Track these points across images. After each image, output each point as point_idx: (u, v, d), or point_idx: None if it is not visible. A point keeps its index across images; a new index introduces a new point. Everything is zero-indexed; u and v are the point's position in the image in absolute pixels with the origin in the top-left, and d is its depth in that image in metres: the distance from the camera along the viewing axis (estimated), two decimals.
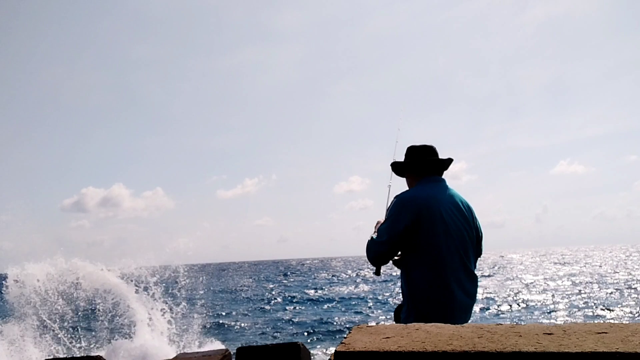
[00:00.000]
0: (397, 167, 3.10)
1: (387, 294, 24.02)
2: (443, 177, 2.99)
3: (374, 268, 3.04)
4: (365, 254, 2.93)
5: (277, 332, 14.93)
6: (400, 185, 3.12)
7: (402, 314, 2.83)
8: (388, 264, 3.00)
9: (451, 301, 2.68)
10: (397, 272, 2.96)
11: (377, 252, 2.83)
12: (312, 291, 28.47)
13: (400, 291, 2.97)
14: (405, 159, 3.04)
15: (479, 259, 2.97)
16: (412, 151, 3.01)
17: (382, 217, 3.14)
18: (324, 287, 31.28)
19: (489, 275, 34.80)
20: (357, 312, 18.70)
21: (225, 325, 16.35)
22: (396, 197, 2.87)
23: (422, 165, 2.95)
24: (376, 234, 2.91)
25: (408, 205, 2.75)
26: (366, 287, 29.31)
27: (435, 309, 2.66)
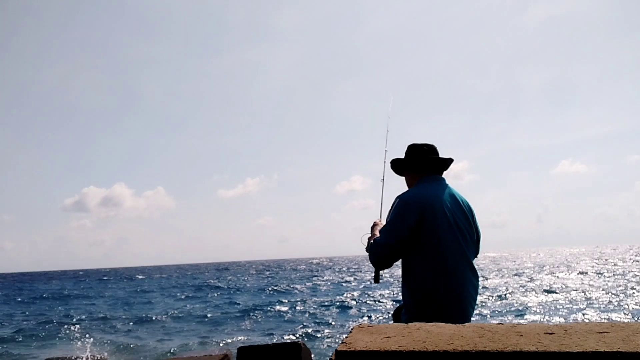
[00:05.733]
0: (396, 165, 3.04)
1: (388, 295, 23.99)
2: (443, 176, 2.95)
3: (374, 271, 3.00)
4: (367, 256, 2.87)
5: (278, 331, 14.91)
6: (395, 181, 3.08)
7: (403, 316, 2.78)
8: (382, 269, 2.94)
9: (456, 301, 2.66)
10: (397, 273, 2.92)
11: (383, 254, 2.75)
12: (314, 291, 28.46)
13: (400, 292, 2.94)
14: (405, 156, 2.98)
15: (476, 258, 2.95)
16: (412, 149, 2.96)
17: (378, 217, 3.11)
18: (325, 287, 31.26)
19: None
20: (357, 312, 18.67)
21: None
22: (398, 197, 2.80)
23: (423, 163, 2.91)
24: (378, 236, 2.83)
25: (412, 205, 2.70)
26: (366, 288, 29.26)
27: (440, 308, 2.63)
